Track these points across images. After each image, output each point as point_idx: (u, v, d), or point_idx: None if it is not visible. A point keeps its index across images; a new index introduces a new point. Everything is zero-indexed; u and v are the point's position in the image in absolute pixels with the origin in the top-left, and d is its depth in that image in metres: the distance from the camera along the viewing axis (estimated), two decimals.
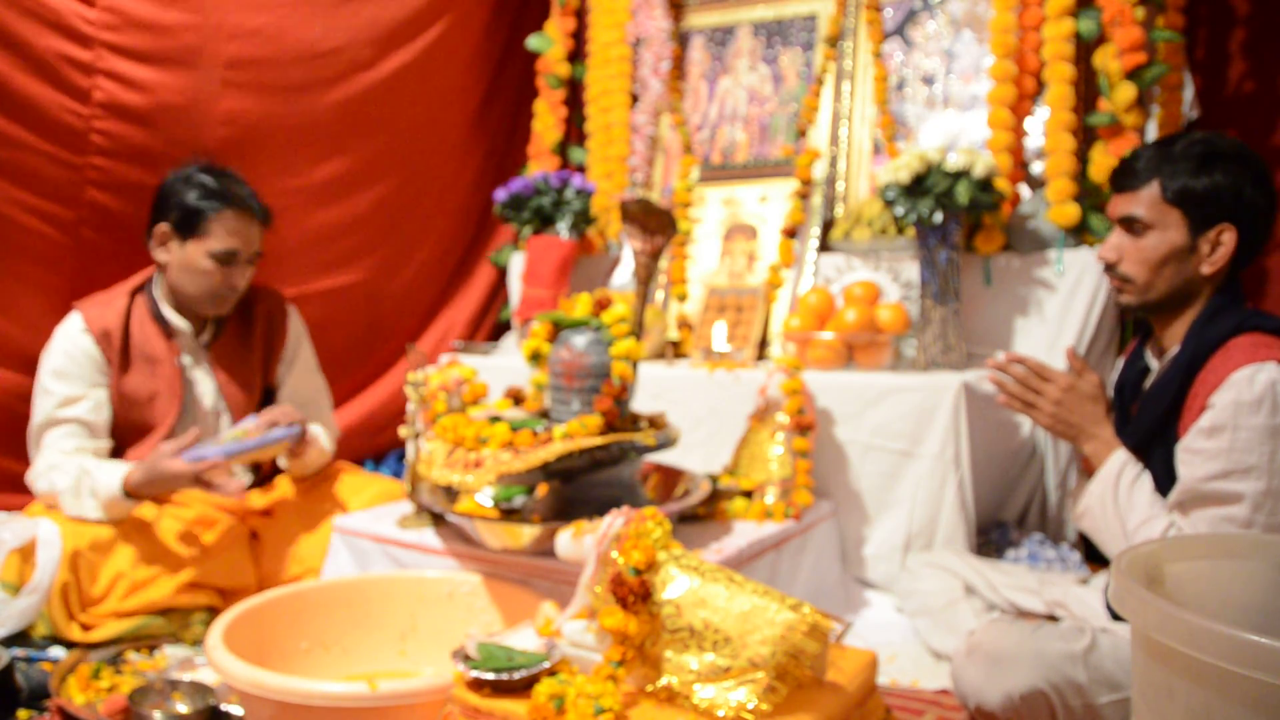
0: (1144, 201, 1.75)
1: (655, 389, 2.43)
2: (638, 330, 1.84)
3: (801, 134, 2.85)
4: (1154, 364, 1.84)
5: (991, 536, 2.23)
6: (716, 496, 2.02)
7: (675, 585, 1.26)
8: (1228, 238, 1.71)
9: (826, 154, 2.80)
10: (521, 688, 1.25)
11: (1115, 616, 1.60)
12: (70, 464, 2.06)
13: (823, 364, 2.35)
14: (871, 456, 2.20)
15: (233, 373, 2.32)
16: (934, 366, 2.34)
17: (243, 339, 2.36)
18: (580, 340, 1.82)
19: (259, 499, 2.33)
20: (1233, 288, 1.75)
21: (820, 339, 2.36)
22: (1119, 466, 1.76)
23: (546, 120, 3.34)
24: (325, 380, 2.53)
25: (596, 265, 3.14)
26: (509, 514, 1.88)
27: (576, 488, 1.83)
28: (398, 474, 3.00)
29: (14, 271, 2.46)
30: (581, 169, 3.33)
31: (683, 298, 2.89)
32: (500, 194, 3.02)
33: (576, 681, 1.21)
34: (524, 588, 1.70)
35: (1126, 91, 2.36)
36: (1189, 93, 2.62)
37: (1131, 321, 2.42)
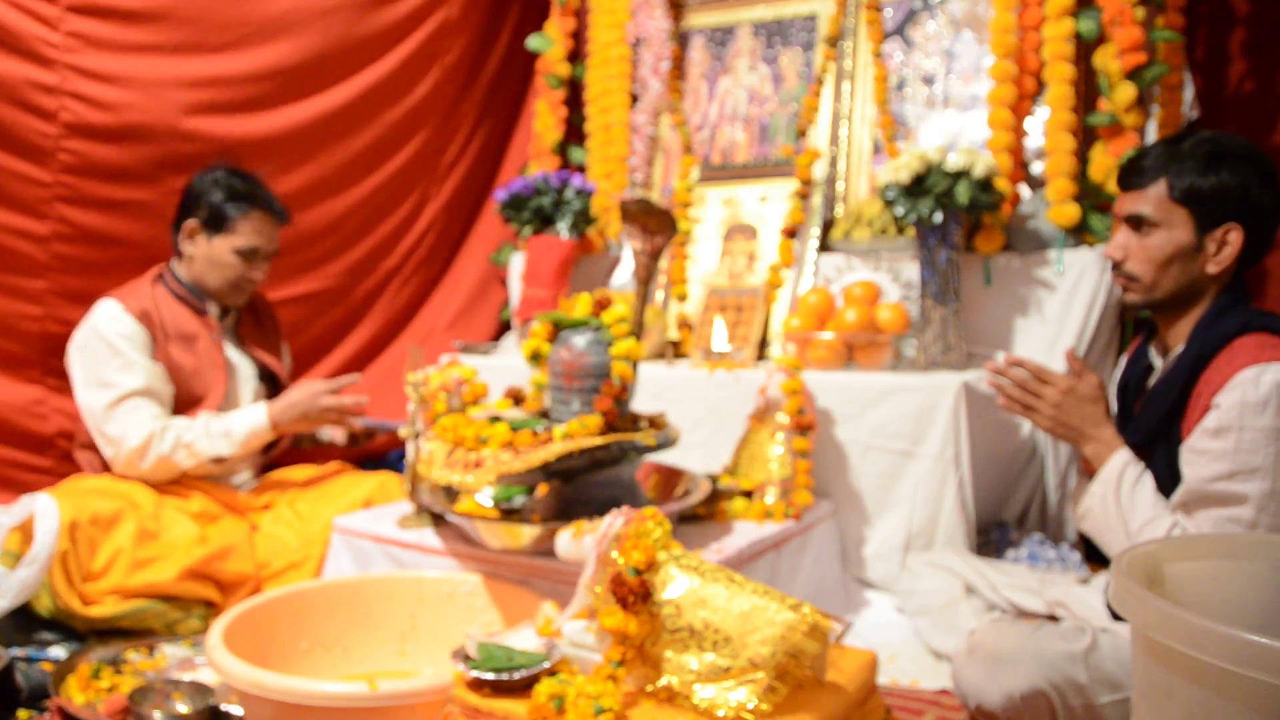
0: (1151, 200, 1.74)
1: (655, 389, 2.43)
2: (638, 330, 1.84)
3: (801, 134, 2.84)
4: (1158, 362, 1.84)
5: (991, 536, 2.23)
6: (716, 496, 2.02)
7: (675, 585, 1.26)
8: (1234, 237, 1.71)
9: (826, 154, 2.80)
10: (521, 688, 1.25)
11: (1116, 616, 1.60)
12: (177, 421, 2.25)
13: (823, 364, 2.35)
14: (871, 456, 2.20)
15: (260, 350, 2.51)
16: (934, 366, 2.33)
17: (255, 325, 2.56)
18: (580, 340, 1.82)
19: (255, 500, 2.39)
20: (1238, 287, 1.75)
21: (820, 339, 2.36)
22: (1120, 467, 1.75)
23: (546, 120, 3.33)
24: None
25: (596, 265, 3.14)
26: (509, 514, 1.88)
27: (576, 488, 1.83)
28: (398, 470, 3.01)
29: None
30: (581, 169, 3.32)
31: (683, 298, 2.89)
32: (500, 194, 3.02)
33: (576, 681, 1.21)
34: (524, 588, 1.70)
35: (1126, 91, 2.36)
36: (1189, 93, 2.62)
37: (1132, 321, 2.42)
